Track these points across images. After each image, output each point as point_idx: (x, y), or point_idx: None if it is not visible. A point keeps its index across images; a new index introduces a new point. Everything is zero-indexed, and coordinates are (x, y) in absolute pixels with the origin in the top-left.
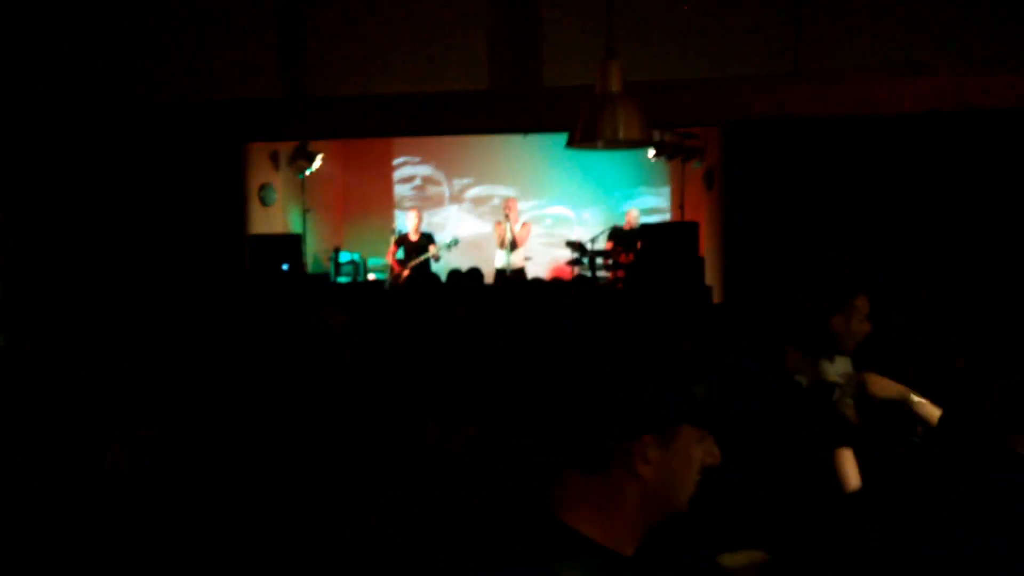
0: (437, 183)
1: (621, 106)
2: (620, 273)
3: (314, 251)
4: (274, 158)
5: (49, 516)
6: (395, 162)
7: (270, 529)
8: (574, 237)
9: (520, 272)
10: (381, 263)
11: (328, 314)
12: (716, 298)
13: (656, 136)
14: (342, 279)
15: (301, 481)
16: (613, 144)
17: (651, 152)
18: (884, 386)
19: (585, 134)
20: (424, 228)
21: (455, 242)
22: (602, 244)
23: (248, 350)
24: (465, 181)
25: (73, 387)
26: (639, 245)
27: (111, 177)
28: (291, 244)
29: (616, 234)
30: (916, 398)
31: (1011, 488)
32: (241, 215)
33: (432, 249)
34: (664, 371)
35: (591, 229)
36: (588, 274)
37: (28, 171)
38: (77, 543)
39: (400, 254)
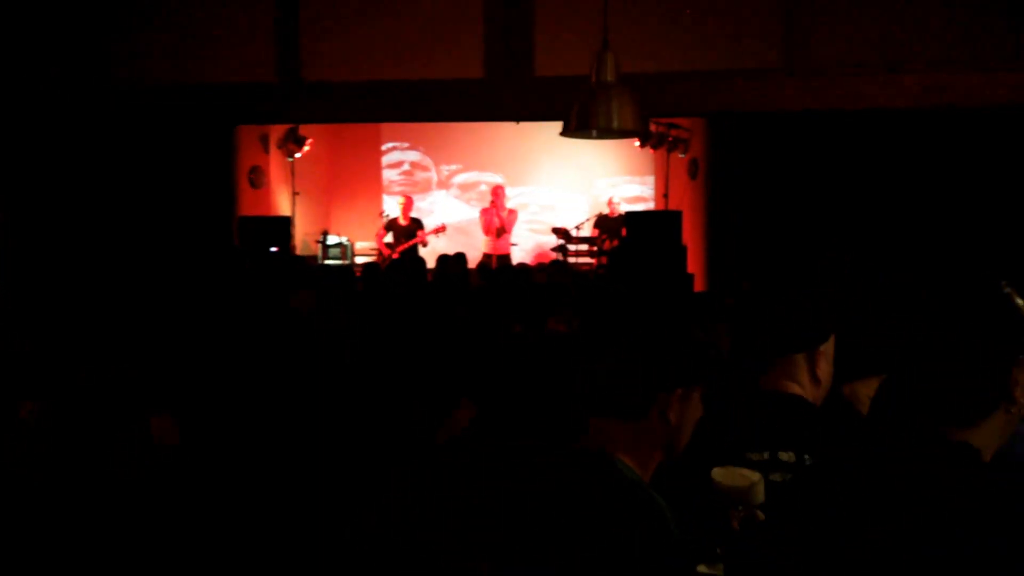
0: (425, 168)
1: (616, 96)
2: (603, 260)
3: (303, 234)
4: (264, 141)
5: (49, 516)
6: (383, 147)
7: (270, 527)
8: (559, 224)
9: (506, 258)
10: (368, 246)
11: (300, 298)
12: (698, 286)
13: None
14: (330, 262)
15: (301, 480)
16: (607, 133)
17: (636, 142)
18: None
19: (580, 123)
20: (413, 214)
21: (443, 228)
22: (587, 231)
23: (243, 339)
24: (453, 167)
25: (73, 387)
26: (623, 232)
27: (102, 159)
28: (280, 226)
29: (601, 221)
30: None
31: (1011, 488)
32: (231, 197)
33: (420, 235)
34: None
35: (576, 216)
36: (572, 260)
37: (19, 155)
38: (77, 543)
39: (389, 238)
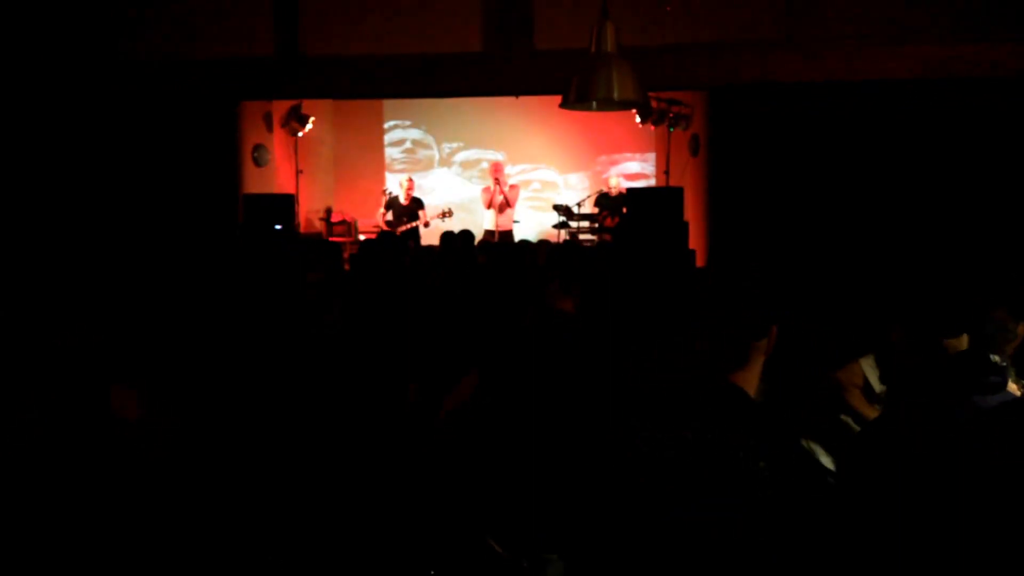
0: (427, 146)
1: (616, 67)
2: (606, 237)
3: (306, 211)
4: (267, 119)
5: (32, 485)
6: (386, 125)
7: (261, 515)
8: (560, 201)
9: (508, 235)
10: (372, 224)
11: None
12: (700, 262)
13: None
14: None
15: (297, 468)
16: (607, 104)
17: (637, 118)
18: None
19: (579, 94)
20: (415, 192)
21: (449, 212)
22: (588, 208)
23: (242, 314)
24: (454, 145)
25: (51, 353)
26: (624, 210)
27: (105, 136)
28: (284, 204)
29: (601, 199)
30: None
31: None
32: (235, 175)
33: (422, 215)
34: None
35: (577, 193)
36: (574, 237)
37: (11, 130)
38: (60, 514)
39: (389, 216)
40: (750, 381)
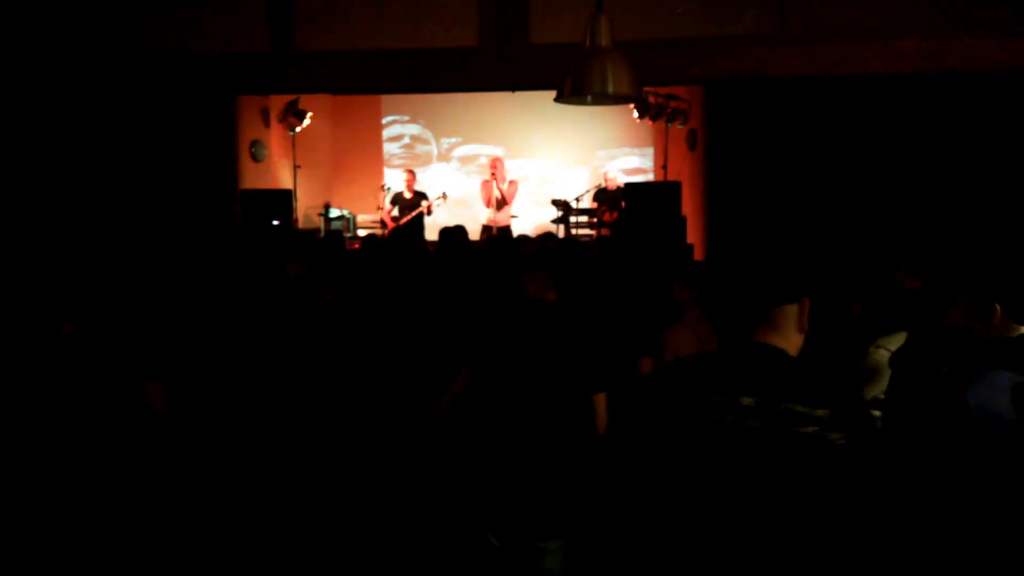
0: (425, 142)
1: (611, 61)
2: (605, 231)
3: (304, 207)
4: (265, 115)
5: (46, 483)
6: (384, 120)
7: (265, 498)
8: (559, 195)
9: (507, 230)
10: (370, 219)
11: (292, 268)
12: (698, 256)
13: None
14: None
15: (296, 465)
16: (602, 99)
17: (635, 113)
18: None
19: (574, 88)
20: (416, 187)
21: (443, 197)
22: (587, 203)
23: (238, 310)
24: (452, 140)
25: (54, 348)
26: (623, 205)
27: (100, 131)
28: (282, 199)
29: (600, 194)
30: None
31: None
32: (233, 170)
33: (424, 203)
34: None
35: (576, 188)
36: (572, 231)
37: (7, 126)
38: (72, 509)
39: (395, 212)
40: (784, 347)
